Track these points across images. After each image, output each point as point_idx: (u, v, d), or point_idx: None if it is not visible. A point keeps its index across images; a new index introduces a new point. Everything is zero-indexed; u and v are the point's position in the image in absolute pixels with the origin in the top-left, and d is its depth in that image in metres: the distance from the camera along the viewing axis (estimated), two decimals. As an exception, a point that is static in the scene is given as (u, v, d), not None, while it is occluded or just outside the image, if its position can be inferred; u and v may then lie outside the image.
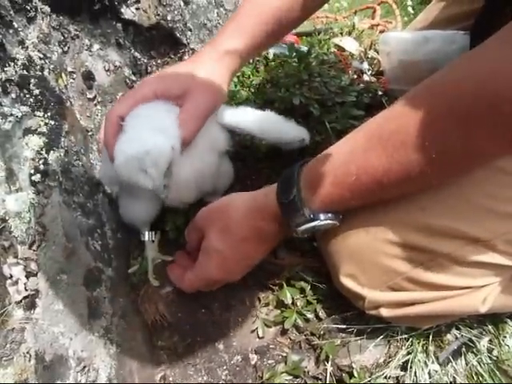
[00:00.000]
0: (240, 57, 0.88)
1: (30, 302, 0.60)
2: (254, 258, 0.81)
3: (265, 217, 0.76)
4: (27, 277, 0.61)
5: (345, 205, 0.71)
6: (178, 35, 1.05)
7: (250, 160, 1.10)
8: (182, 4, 1.07)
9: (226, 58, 0.86)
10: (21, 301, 0.59)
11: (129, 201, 0.85)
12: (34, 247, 0.63)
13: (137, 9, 0.96)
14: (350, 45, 1.61)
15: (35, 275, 0.62)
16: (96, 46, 0.90)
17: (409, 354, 0.86)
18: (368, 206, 0.75)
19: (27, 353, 0.57)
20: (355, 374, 0.83)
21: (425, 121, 0.60)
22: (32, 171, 0.66)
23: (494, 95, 0.55)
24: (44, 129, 0.70)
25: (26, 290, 0.60)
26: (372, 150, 0.65)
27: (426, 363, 0.86)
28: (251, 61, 1.35)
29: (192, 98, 0.80)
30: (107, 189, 0.89)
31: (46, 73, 0.73)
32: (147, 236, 0.90)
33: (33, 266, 0.62)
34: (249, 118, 0.91)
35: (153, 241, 0.91)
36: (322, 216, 0.71)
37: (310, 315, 0.87)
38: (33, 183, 0.66)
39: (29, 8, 0.73)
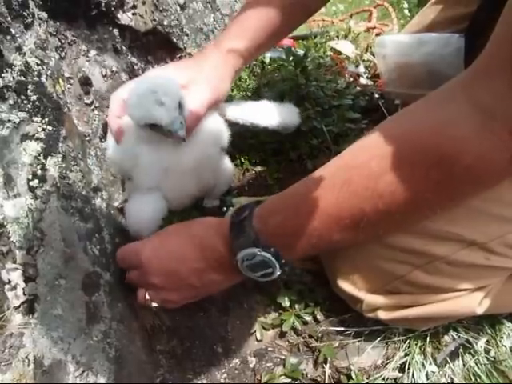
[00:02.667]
0: (242, 57, 0.89)
1: (28, 307, 0.60)
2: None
3: (213, 234, 0.75)
4: (26, 282, 0.61)
5: (291, 244, 0.70)
6: (175, 40, 1.05)
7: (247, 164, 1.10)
8: (179, 9, 1.08)
9: (229, 57, 0.87)
10: (19, 306, 0.59)
11: (137, 200, 0.86)
12: (33, 252, 0.63)
13: (133, 14, 0.96)
14: (347, 48, 1.62)
15: (34, 280, 0.62)
16: (93, 52, 0.90)
17: (406, 355, 0.87)
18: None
19: (26, 358, 0.57)
20: (353, 376, 0.83)
21: (372, 172, 0.63)
22: (30, 177, 0.66)
23: (438, 151, 0.58)
24: (42, 134, 0.70)
25: (25, 294, 0.60)
26: (323, 196, 0.66)
27: (423, 364, 0.87)
28: (248, 64, 1.35)
29: (196, 88, 0.82)
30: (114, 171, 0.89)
31: (43, 79, 0.73)
32: None
33: (31, 271, 0.62)
34: (250, 109, 0.94)
35: None
36: (263, 246, 0.68)
37: (307, 318, 0.88)
38: (31, 189, 0.66)
39: (26, 14, 0.73)
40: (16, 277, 0.60)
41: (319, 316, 0.88)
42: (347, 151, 0.69)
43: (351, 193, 0.64)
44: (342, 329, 0.88)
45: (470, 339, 0.91)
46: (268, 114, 0.95)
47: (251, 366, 0.86)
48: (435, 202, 0.63)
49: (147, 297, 0.79)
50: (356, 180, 0.64)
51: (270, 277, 0.72)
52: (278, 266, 0.70)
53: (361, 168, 0.64)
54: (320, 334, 0.87)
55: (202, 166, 0.83)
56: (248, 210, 0.72)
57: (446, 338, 0.91)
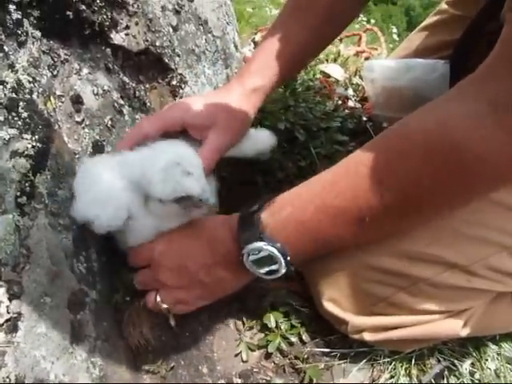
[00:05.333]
0: (265, 93, 0.92)
1: (11, 325, 0.60)
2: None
3: (222, 228, 0.76)
4: (10, 299, 0.60)
5: (297, 240, 0.71)
6: (167, 60, 1.06)
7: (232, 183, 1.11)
8: (171, 30, 1.09)
9: (253, 96, 0.90)
10: (2, 324, 0.58)
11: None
12: (18, 269, 0.62)
13: (126, 34, 0.97)
14: (336, 71, 1.65)
15: (18, 298, 0.61)
16: (85, 70, 0.91)
17: (392, 377, 0.87)
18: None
19: (7, 377, 0.56)
20: (339, 398, 0.83)
21: (391, 162, 0.64)
22: (18, 193, 0.66)
23: (452, 143, 0.60)
24: (31, 151, 0.70)
25: (9, 312, 0.59)
26: (332, 191, 0.68)
27: (408, 387, 0.87)
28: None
29: (217, 132, 0.83)
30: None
31: (34, 96, 0.74)
32: None
33: (16, 289, 0.61)
34: None
35: None
36: (270, 240, 0.70)
37: (293, 339, 0.88)
38: (18, 205, 0.66)
39: (20, 32, 0.74)
40: (0, 294, 0.59)
41: (305, 337, 0.88)
42: (360, 149, 0.70)
43: (360, 187, 0.65)
44: (328, 350, 0.88)
45: (455, 361, 0.91)
46: (245, 144, 0.92)
47: (236, 387, 0.85)
48: (447, 195, 0.63)
49: (158, 298, 0.78)
50: (365, 174, 0.65)
51: (275, 274, 0.73)
52: (283, 263, 0.71)
53: (370, 162, 0.65)
54: (306, 356, 0.87)
55: None
56: (258, 204, 0.73)
57: (432, 360, 0.91)
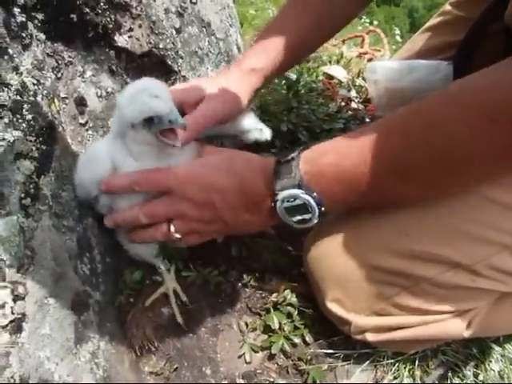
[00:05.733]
0: (264, 76, 0.93)
1: (16, 326, 0.60)
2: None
3: (256, 173, 0.75)
4: (14, 300, 0.61)
5: (334, 190, 0.70)
6: (170, 63, 1.07)
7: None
8: (174, 32, 1.10)
9: (250, 76, 0.91)
10: (7, 325, 0.59)
11: None
12: (23, 271, 0.63)
13: (130, 37, 0.98)
14: (339, 73, 1.66)
15: (23, 299, 0.62)
16: (89, 73, 0.91)
17: (395, 378, 0.87)
18: (349, 219, 0.76)
19: (11, 377, 0.57)
20: (342, 399, 0.83)
21: (433, 124, 0.63)
22: (23, 195, 0.67)
23: (502, 107, 0.58)
24: (35, 153, 0.71)
25: (13, 313, 0.60)
26: (376, 141, 0.66)
27: (412, 388, 0.87)
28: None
29: (207, 102, 0.84)
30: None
31: (39, 98, 0.74)
32: (163, 265, 0.89)
33: (20, 290, 0.62)
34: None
35: (168, 270, 0.90)
36: (307, 189, 0.69)
37: (297, 340, 0.88)
38: (23, 207, 0.66)
39: (24, 35, 0.75)
40: (5, 295, 0.60)
41: (308, 338, 0.88)
42: (405, 108, 0.68)
43: (406, 141, 0.64)
44: (331, 351, 0.88)
45: (459, 363, 0.91)
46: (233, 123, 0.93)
47: (240, 388, 0.85)
48: (491, 159, 0.62)
49: (172, 228, 0.76)
50: (413, 127, 0.64)
51: (306, 224, 0.72)
52: (317, 213, 0.70)
53: (419, 115, 0.65)
54: (309, 357, 0.87)
55: None
56: (297, 151, 0.72)
57: (435, 361, 0.91)
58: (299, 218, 0.72)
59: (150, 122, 0.71)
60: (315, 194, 0.69)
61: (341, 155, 0.69)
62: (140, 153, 0.76)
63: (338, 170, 0.68)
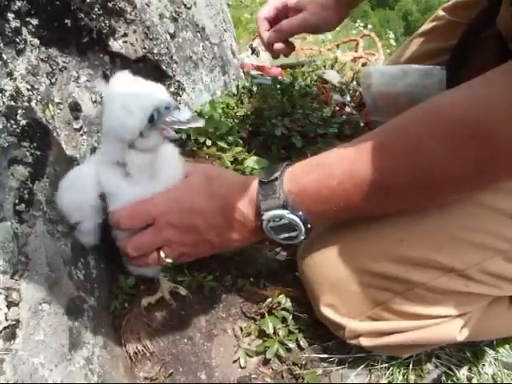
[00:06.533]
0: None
1: (10, 333, 0.60)
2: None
3: (239, 193, 0.75)
4: (8, 306, 0.60)
5: (319, 208, 0.70)
6: (164, 68, 1.07)
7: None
8: (169, 37, 1.10)
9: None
10: (1, 331, 0.58)
11: None
12: (17, 277, 0.63)
13: (124, 42, 0.98)
14: (333, 77, 1.66)
15: (17, 305, 0.62)
16: (83, 78, 0.92)
17: (389, 383, 0.87)
18: (343, 224, 0.76)
19: (5, 384, 0.57)
20: (337, 403, 0.83)
21: (413, 140, 0.64)
22: (17, 201, 0.66)
23: (476, 123, 0.59)
24: (30, 159, 0.71)
25: (7, 319, 0.60)
26: (359, 158, 0.67)
27: (406, 392, 0.87)
28: (236, 92, 1.38)
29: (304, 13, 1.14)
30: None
31: (33, 104, 0.74)
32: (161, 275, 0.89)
33: (14, 296, 0.62)
34: None
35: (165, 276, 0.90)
36: (292, 209, 0.70)
37: (291, 345, 0.88)
38: (17, 213, 0.66)
39: (18, 40, 0.75)
40: (-1, 301, 0.60)
41: (303, 343, 0.88)
42: (388, 122, 0.70)
43: (386, 157, 0.65)
44: (326, 356, 0.88)
45: (453, 367, 0.91)
46: None
47: (234, 393, 0.85)
48: (473, 177, 0.63)
49: (162, 255, 0.77)
50: (392, 144, 0.66)
51: (293, 240, 0.74)
52: (303, 230, 0.71)
53: (398, 132, 0.66)
54: (304, 362, 0.87)
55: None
56: (279, 170, 0.72)
57: (429, 365, 0.91)
58: (286, 235, 0.73)
59: (152, 120, 0.69)
60: (300, 213, 0.70)
61: (325, 173, 0.70)
62: (139, 167, 0.75)
63: (322, 188, 0.69)
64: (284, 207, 0.70)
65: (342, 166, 0.68)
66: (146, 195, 0.76)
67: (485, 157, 0.60)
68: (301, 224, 0.70)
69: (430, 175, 0.64)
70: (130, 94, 0.70)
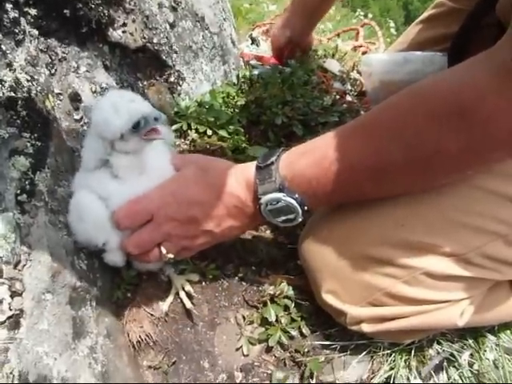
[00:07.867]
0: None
1: (14, 322, 0.60)
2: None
3: (236, 180, 0.76)
4: (12, 296, 0.61)
5: (315, 190, 0.72)
6: (164, 57, 1.07)
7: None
8: (168, 27, 1.09)
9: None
10: (5, 321, 0.59)
11: None
12: (20, 267, 0.63)
13: (123, 32, 0.98)
14: (333, 66, 1.65)
15: (20, 295, 0.62)
16: (83, 68, 0.91)
17: (391, 369, 0.88)
18: (343, 211, 0.77)
19: (10, 373, 0.57)
20: (339, 390, 0.83)
21: (401, 116, 0.66)
22: (18, 191, 0.67)
23: (460, 99, 0.60)
24: (30, 149, 0.71)
25: (11, 309, 0.60)
26: (351, 138, 0.69)
27: (408, 378, 0.87)
28: (236, 82, 1.37)
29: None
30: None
31: (33, 94, 0.74)
32: (169, 269, 0.90)
33: (18, 286, 0.62)
34: None
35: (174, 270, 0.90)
36: (288, 192, 0.71)
37: (294, 332, 0.88)
38: (19, 203, 0.66)
39: (17, 31, 0.74)
40: (2, 291, 0.60)
41: (305, 330, 0.89)
42: (378, 105, 0.71)
43: (377, 136, 0.67)
44: (328, 343, 0.89)
45: (454, 352, 0.92)
46: None
47: (238, 380, 0.86)
48: (463, 154, 0.64)
49: (163, 251, 0.78)
50: (382, 123, 0.67)
51: (291, 222, 0.75)
52: (300, 213, 0.73)
53: (388, 111, 0.68)
54: (306, 349, 0.87)
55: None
56: (275, 155, 0.74)
57: (431, 351, 0.92)
58: (284, 218, 0.75)
59: (137, 126, 0.70)
60: (297, 195, 0.72)
61: (320, 155, 0.71)
62: (126, 168, 0.75)
63: (317, 170, 0.70)
64: (280, 190, 0.71)
65: (334, 146, 0.69)
66: (138, 192, 0.76)
67: (472, 134, 0.61)
68: (297, 206, 0.72)
69: (420, 152, 0.64)
70: (124, 97, 0.71)
